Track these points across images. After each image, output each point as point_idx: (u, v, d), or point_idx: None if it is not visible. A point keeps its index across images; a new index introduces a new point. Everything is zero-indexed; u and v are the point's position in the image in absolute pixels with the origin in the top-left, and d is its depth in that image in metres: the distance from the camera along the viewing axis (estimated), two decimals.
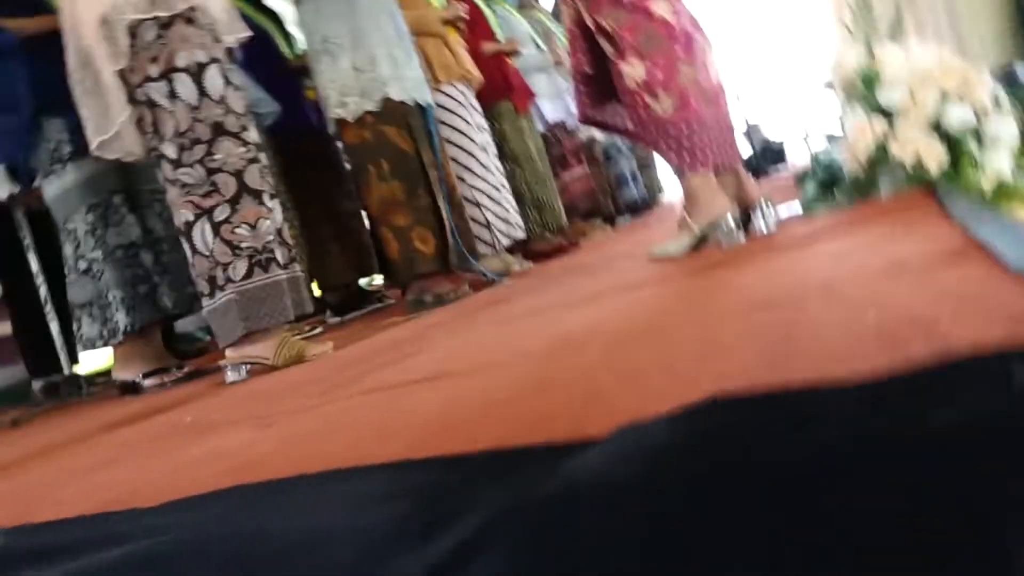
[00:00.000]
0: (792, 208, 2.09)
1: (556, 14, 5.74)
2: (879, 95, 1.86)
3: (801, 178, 3.01)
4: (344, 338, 2.52)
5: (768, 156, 6.72)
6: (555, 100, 4.67)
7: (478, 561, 0.39)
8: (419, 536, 0.44)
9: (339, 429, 1.00)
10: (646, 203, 6.15)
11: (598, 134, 5.30)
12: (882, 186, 1.84)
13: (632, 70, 1.86)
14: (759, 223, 1.94)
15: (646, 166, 6.52)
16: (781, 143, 6.80)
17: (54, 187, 2.49)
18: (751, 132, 7.83)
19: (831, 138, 2.97)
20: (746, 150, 7.23)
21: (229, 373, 2.09)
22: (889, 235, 1.28)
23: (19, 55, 2.40)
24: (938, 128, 1.81)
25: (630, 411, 0.57)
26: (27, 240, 2.91)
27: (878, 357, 0.58)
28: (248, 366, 2.09)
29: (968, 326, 0.63)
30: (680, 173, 1.90)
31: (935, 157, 1.75)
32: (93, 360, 3.34)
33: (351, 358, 1.85)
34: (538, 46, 4.71)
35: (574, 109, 4.82)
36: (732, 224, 1.85)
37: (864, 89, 1.89)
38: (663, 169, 6.84)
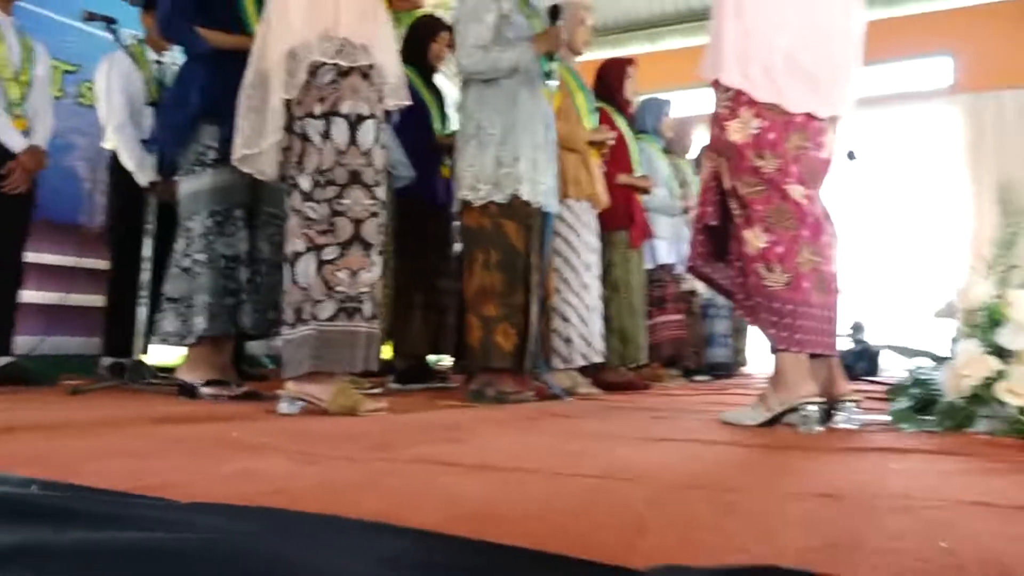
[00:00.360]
0: (880, 416, 2.02)
1: (698, 164, 5.86)
2: (1000, 334, 1.81)
3: (895, 390, 2.93)
4: (400, 405, 2.53)
5: (864, 359, 6.53)
6: (672, 244, 4.71)
7: None
8: None
9: (377, 487, 1.00)
10: (728, 367, 6.03)
11: (701, 287, 5.29)
12: (979, 423, 1.76)
13: (755, 239, 1.87)
14: (840, 420, 1.88)
15: (739, 331, 6.42)
16: (879, 351, 6.61)
17: (189, 185, 2.64)
18: (856, 330, 7.65)
19: (936, 359, 2.88)
20: (844, 345, 7.08)
21: (283, 404, 2.12)
22: (975, 471, 1.22)
23: (204, 63, 2.61)
24: None
25: (674, 556, 0.55)
26: (151, 227, 3.08)
27: None
28: (303, 403, 2.12)
29: None
30: (775, 349, 1.87)
31: None
32: (163, 355, 3.45)
33: (403, 425, 1.86)
34: (671, 191, 4.80)
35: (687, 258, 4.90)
36: (813, 411, 1.80)
37: (987, 323, 1.85)
38: (754, 340, 6.73)
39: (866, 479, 1.10)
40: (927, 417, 1.83)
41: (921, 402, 1.91)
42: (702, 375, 5.54)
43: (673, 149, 5.24)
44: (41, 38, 3.36)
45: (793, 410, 1.82)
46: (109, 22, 3.08)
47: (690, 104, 8.19)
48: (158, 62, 3.59)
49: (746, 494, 1.00)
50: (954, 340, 3.14)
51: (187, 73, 2.69)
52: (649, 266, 4.43)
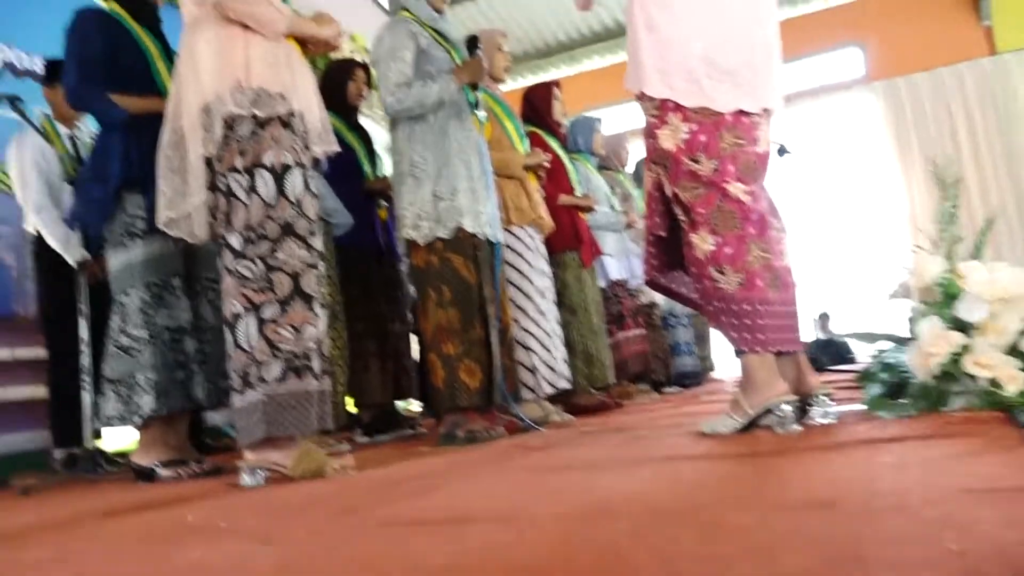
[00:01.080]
0: (854, 406, 1.99)
1: (638, 178, 5.88)
2: (958, 308, 1.79)
3: (864, 377, 2.92)
4: (368, 459, 2.44)
5: (830, 350, 6.58)
6: (621, 259, 4.69)
7: None
8: None
9: (339, 560, 0.92)
10: (697, 375, 6.01)
11: (659, 299, 5.27)
12: (953, 400, 1.74)
13: (701, 242, 1.84)
14: (817, 414, 1.84)
15: (702, 338, 6.43)
16: (845, 340, 6.67)
17: (120, 259, 2.52)
18: (821, 321, 7.73)
19: (899, 341, 2.88)
20: (809, 337, 7.12)
21: (245, 476, 2.01)
22: (963, 454, 1.18)
23: (121, 131, 2.51)
24: (1015, 351, 1.73)
25: None
26: (84, 307, 2.94)
27: None
28: (265, 472, 2.01)
29: None
30: (739, 351, 1.83)
31: (1014, 380, 1.66)
32: (119, 438, 3.30)
33: (370, 483, 1.77)
34: (612, 207, 4.79)
35: (639, 272, 4.88)
36: (788, 411, 1.76)
37: (944, 299, 1.83)
38: (719, 345, 6.75)
39: (854, 479, 1.05)
40: (901, 401, 1.80)
41: (893, 387, 1.88)
42: (671, 387, 5.51)
43: (608, 165, 5.24)
44: None
45: (767, 412, 1.77)
46: (13, 101, 2.95)
47: (619, 120, 8.29)
48: (71, 137, 3.47)
49: (733, 512, 0.94)
50: (911, 320, 3.16)
51: (104, 143, 2.56)
52: (602, 284, 4.39)
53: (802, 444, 1.52)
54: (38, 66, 3.86)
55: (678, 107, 1.83)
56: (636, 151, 5.80)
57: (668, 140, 1.85)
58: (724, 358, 7.17)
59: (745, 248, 1.80)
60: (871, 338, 3.07)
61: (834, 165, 8.56)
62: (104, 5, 2.65)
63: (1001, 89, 7.93)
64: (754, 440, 1.69)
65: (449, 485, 1.55)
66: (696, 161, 1.83)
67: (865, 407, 1.91)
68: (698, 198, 1.83)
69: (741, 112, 1.85)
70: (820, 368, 5.20)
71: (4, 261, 3.86)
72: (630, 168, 5.76)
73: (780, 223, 1.88)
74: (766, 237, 1.82)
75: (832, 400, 1.85)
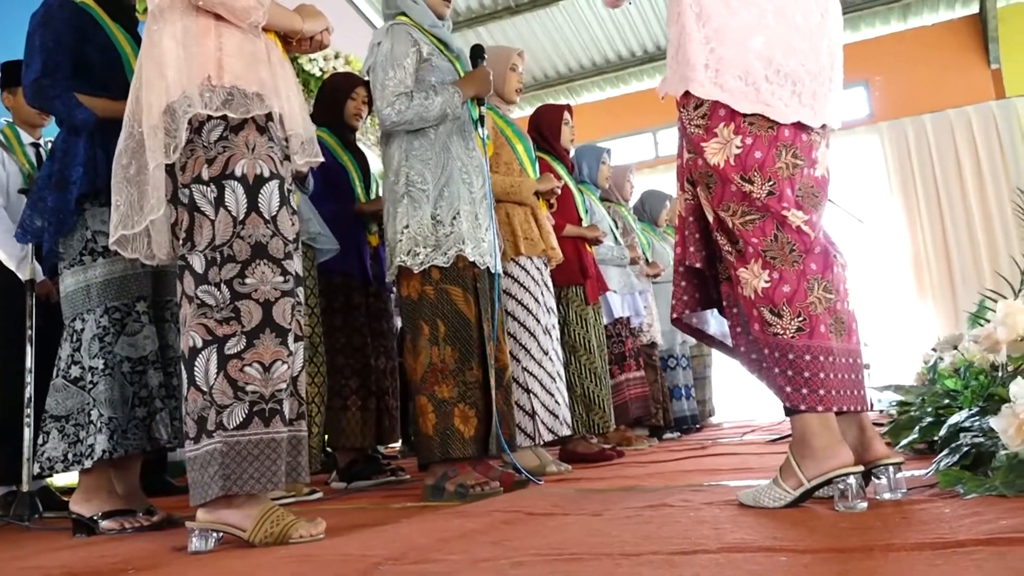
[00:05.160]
0: (916, 472, 1.70)
1: (639, 212, 5.62)
2: None
3: (894, 430, 2.63)
4: (343, 516, 2.11)
5: None
6: (624, 296, 4.40)
7: None
8: None
9: None
10: (695, 420, 5.72)
11: (660, 338, 4.98)
12: None
13: (752, 278, 1.55)
14: (883, 488, 1.54)
15: (702, 380, 6.14)
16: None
17: (75, 279, 2.21)
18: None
19: (925, 393, 2.61)
20: None
21: (194, 540, 1.68)
22: None
23: (85, 135, 2.21)
24: None
25: None
26: (30, 332, 2.61)
27: None
28: (219, 534, 1.69)
29: None
30: (792, 409, 1.54)
31: None
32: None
33: (340, 558, 1.44)
34: (617, 240, 4.51)
35: (642, 309, 4.59)
36: (853, 484, 1.46)
37: None
38: (718, 387, 6.45)
39: None
40: (983, 476, 1.50)
41: (970, 456, 1.59)
42: (670, 432, 5.23)
43: (610, 197, 4.99)
44: None
45: (828, 484, 1.48)
46: None
47: (616, 154, 8.09)
48: (34, 144, 3.17)
49: None
50: (932, 368, 2.87)
51: (64, 147, 2.24)
52: (605, 321, 4.10)
53: (877, 528, 1.22)
54: None
55: (731, 116, 1.55)
56: (637, 186, 5.57)
57: (717, 155, 1.56)
58: (725, 401, 6.87)
59: (806, 287, 1.51)
60: (911, 391, 2.79)
61: (837, 205, 8.34)
62: None
63: (1008, 132, 7.78)
64: (818, 521, 1.38)
65: (435, 566, 1.24)
66: (750, 181, 1.54)
67: (934, 478, 1.61)
68: (750, 225, 1.54)
69: (800, 127, 1.57)
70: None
71: None
72: (632, 201, 5.51)
73: (843, 259, 1.59)
74: (830, 275, 1.53)
75: (901, 469, 1.55)
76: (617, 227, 4.72)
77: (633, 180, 5.35)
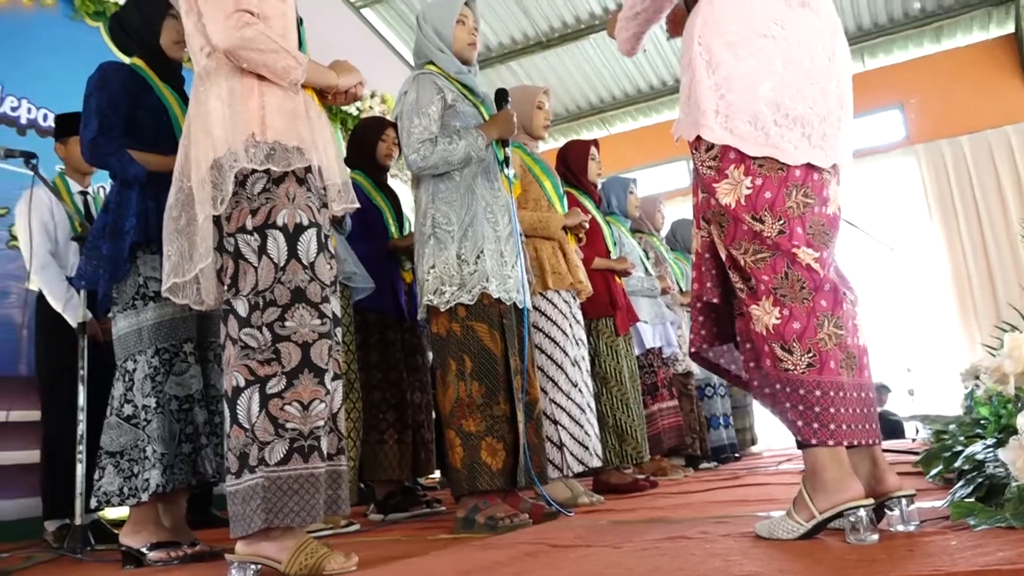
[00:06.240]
0: (930, 504, 1.73)
1: (671, 242, 5.67)
2: None
3: (925, 460, 2.63)
4: (376, 548, 2.20)
5: (881, 425, 6.23)
6: (656, 326, 4.45)
7: None
8: None
9: None
10: (734, 450, 5.70)
11: (695, 368, 5.01)
12: None
13: (764, 314, 1.61)
14: (895, 520, 1.58)
15: (741, 408, 6.12)
16: (899, 418, 6.31)
17: (128, 322, 2.37)
18: (879, 392, 7.36)
19: (962, 424, 2.60)
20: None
21: (233, 572, 1.78)
22: None
23: (137, 188, 2.37)
24: None
25: None
26: (82, 372, 2.76)
27: None
28: (257, 566, 1.78)
29: None
30: (804, 443, 1.59)
31: None
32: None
33: None
34: (647, 271, 4.58)
35: (674, 340, 4.63)
36: (864, 516, 1.50)
37: None
38: (759, 416, 6.41)
39: None
40: (994, 508, 1.53)
41: (983, 488, 1.62)
42: (707, 462, 5.22)
43: (641, 228, 5.06)
44: None
45: (839, 517, 1.52)
46: (28, 158, 2.86)
47: (650, 183, 8.14)
48: (83, 193, 3.36)
49: None
50: (971, 400, 2.87)
51: (118, 200, 2.42)
52: (636, 352, 4.15)
53: (889, 570, 1.26)
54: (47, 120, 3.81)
55: (740, 158, 1.63)
56: (670, 214, 5.61)
57: (727, 195, 1.63)
58: (769, 430, 6.81)
59: (816, 323, 1.57)
60: (938, 421, 2.80)
61: (875, 229, 8.27)
62: (127, 60, 2.55)
63: None
64: (826, 553, 1.43)
65: None
66: (760, 220, 1.61)
67: (947, 509, 1.64)
68: (761, 263, 1.61)
69: (810, 167, 1.63)
70: None
71: (12, 318, 3.74)
72: (664, 231, 5.56)
73: (853, 295, 1.65)
74: (840, 312, 1.59)
75: (914, 502, 1.59)
76: (649, 258, 4.79)
77: (664, 210, 5.41)
